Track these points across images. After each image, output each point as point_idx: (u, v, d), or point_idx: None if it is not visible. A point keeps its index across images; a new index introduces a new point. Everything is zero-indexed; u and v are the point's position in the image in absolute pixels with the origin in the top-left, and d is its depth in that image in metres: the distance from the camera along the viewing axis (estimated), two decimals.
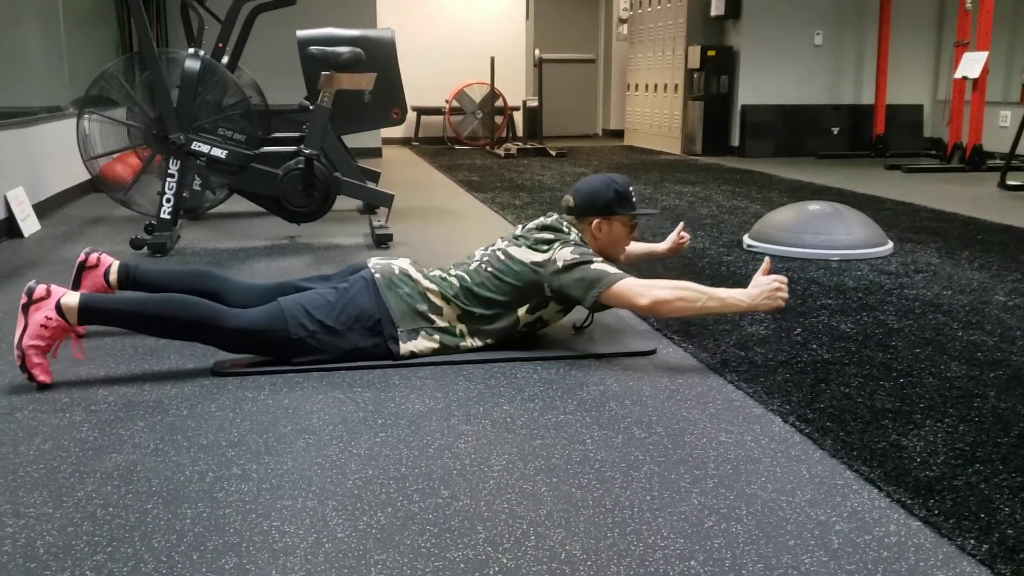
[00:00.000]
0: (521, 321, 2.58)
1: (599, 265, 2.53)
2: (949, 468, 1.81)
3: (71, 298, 2.31)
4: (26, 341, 2.27)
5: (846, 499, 1.70)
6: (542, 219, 2.71)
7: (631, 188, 2.72)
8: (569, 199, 2.71)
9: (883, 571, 1.45)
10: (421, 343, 2.50)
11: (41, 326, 2.27)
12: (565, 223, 2.67)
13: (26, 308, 2.30)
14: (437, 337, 2.52)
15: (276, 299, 2.46)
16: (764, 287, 2.47)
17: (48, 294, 2.31)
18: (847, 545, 1.53)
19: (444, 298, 2.54)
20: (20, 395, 2.26)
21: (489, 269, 2.58)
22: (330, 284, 2.58)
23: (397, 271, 2.55)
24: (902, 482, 1.75)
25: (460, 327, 2.55)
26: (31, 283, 2.33)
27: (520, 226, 2.75)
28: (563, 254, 2.54)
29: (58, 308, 2.29)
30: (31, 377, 2.29)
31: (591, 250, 2.61)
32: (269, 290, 2.63)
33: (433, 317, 2.52)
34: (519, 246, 2.61)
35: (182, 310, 2.35)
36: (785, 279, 2.51)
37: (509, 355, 2.54)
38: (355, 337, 2.45)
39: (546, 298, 2.57)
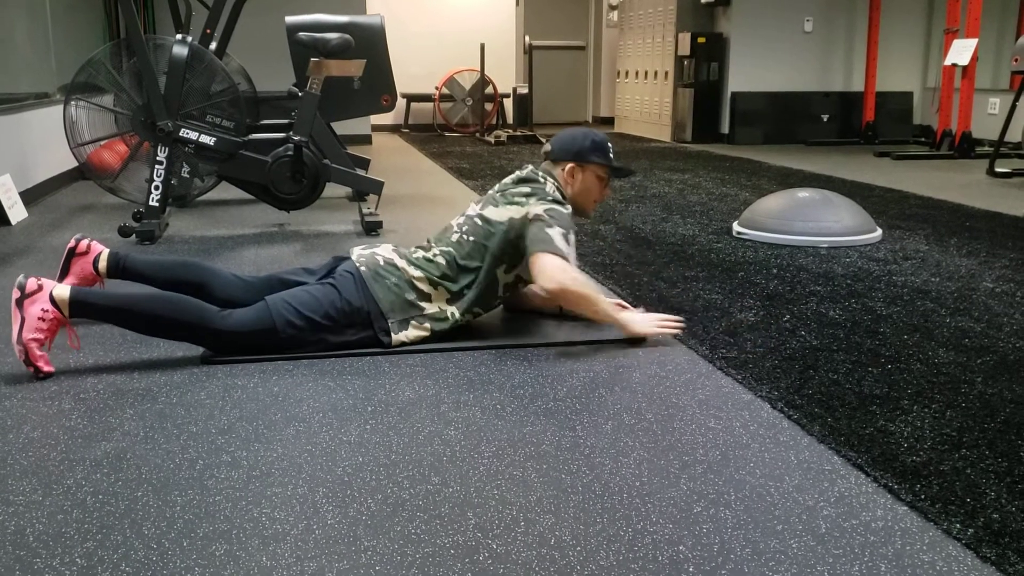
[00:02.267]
0: (500, 282, 2.58)
1: (556, 231, 2.50)
2: (936, 453, 1.83)
3: (62, 290, 2.31)
4: (26, 335, 2.27)
5: (834, 484, 1.71)
6: (518, 172, 2.71)
7: (610, 145, 2.72)
8: (547, 144, 2.73)
9: (870, 555, 1.46)
10: (412, 332, 2.50)
11: (39, 319, 2.28)
12: (541, 174, 2.67)
13: (20, 303, 2.29)
14: (427, 325, 2.52)
15: (263, 298, 2.45)
16: (656, 317, 2.62)
17: (40, 287, 2.31)
18: (834, 530, 1.54)
19: (431, 283, 2.54)
20: (9, 384, 2.26)
21: (471, 239, 2.57)
22: (316, 278, 2.57)
23: (382, 262, 2.54)
24: (889, 467, 1.76)
25: (449, 309, 2.55)
26: (20, 278, 2.32)
27: (496, 185, 2.74)
28: (535, 208, 2.54)
29: (52, 300, 2.29)
30: (36, 370, 2.30)
31: (565, 210, 2.59)
32: (256, 284, 2.62)
33: (422, 304, 2.52)
34: (496, 206, 2.60)
35: (172, 310, 2.35)
36: (682, 322, 2.62)
37: (499, 343, 2.55)
38: (345, 332, 2.46)
39: (519, 253, 2.56)
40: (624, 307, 2.71)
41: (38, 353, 2.29)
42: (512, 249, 2.55)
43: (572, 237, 2.55)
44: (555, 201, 2.59)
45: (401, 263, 2.55)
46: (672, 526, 1.55)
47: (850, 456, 1.82)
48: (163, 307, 2.35)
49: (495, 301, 2.63)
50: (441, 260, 2.56)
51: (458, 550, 1.48)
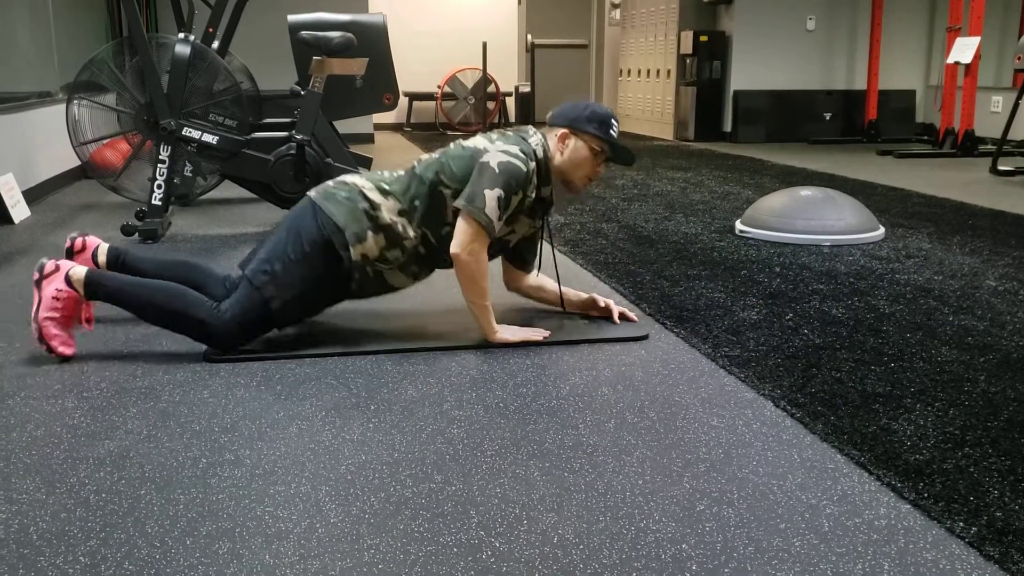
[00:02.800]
0: (448, 205, 2.49)
1: (494, 194, 2.41)
2: (939, 452, 1.82)
3: (79, 270, 2.41)
4: (41, 314, 2.37)
5: (836, 483, 1.71)
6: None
7: (613, 120, 2.58)
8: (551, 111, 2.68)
9: (873, 553, 1.46)
10: (370, 244, 2.46)
11: (53, 298, 2.37)
12: (532, 128, 2.61)
13: (39, 283, 2.40)
14: (382, 236, 2.47)
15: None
16: (522, 328, 2.60)
17: (57, 268, 2.40)
18: (837, 528, 1.54)
19: (381, 192, 2.51)
20: (12, 381, 2.26)
21: (436, 155, 2.56)
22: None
23: (332, 184, 2.55)
24: (892, 466, 1.76)
25: (401, 221, 2.49)
26: (42, 260, 2.43)
27: None
28: (493, 152, 2.47)
29: (67, 280, 2.38)
30: (50, 349, 2.38)
31: (524, 166, 2.46)
32: None
33: (375, 214, 2.47)
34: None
35: (179, 302, 2.39)
36: (546, 333, 2.60)
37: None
38: (314, 261, 2.43)
39: (463, 185, 2.49)
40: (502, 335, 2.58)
41: (53, 331, 2.37)
42: (462, 175, 2.48)
43: (515, 199, 2.46)
44: (521, 153, 2.47)
45: (351, 179, 2.55)
46: (675, 524, 1.55)
47: (853, 454, 1.82)
48: (172, 297, 2.40)
49: (444, 227, 2.51)
50: (398, 173, 2.56)
51: (461, 548, 1.48)
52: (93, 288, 2.40)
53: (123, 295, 2.42)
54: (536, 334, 2.57)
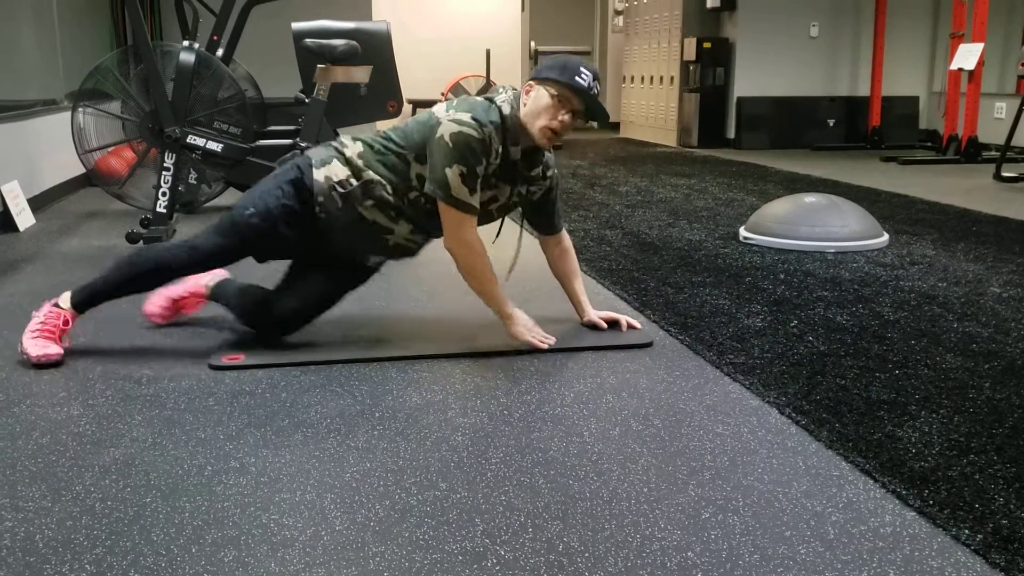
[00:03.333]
0: (413, 171, 2.46)
1: (454, 171, 2.36)
2: (944, 459, 1.82)
3: (65, 295, 2.56)
4: (24, 337, 2.49)
5: (842, 490, 1.71)
6: None
7: (583, 69, 2.39)
8: None
9: (878, 561, 1.46)
10: (335, 168, 2.48)
11: (36, 321, 2.53)
12: (504, 86, 2.54)
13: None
14: (348, 168, 2.48)
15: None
16: (535, 328, 2.57)
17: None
18: (842, 535, 1.54)
19: (354, 140, 2.56)
20: (17, 389, 2.27)
21: (408, 120, 2.55)
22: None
23: (322, 148, 2.60)
24: (897, 473, 1.76)
25: (360, 161, 2.50)
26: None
27: None
28: (446, 123, 2.38)
29: (56, 305, 2.53)
30: (37, 365, 2.44)
31: (476, 133, 2.36)
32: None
33: (341, 149, 2.52)
34: None
35: (150, 261, 2.52)
36: (553, 340, 2.57)
37: (506, 348, 2.55)
38: (288, 195, 2.47)
39: (424, 156, 2.46)
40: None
41: (28, 342, 2.46)
42: (420, 141, 2.45)
43: (481, 168, 2.40)
44: (472, 120, 2.37)
45: (335, 142, 2.60)
46: (680, 532, 1.55)
47: (858, 462, 1.82)
48: (145, 261, 2.52)
49: (411, 191, 2.48)
50: (376, 135, 2.56)
51: (466, 556, 1.48)
52: (79, 300, 2.54)
53: (106, 288, 2.54)
54: (543, 341, 2.56)
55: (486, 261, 2.50)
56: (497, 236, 2.78)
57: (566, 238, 2.81)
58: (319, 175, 2.47)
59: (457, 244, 2.45)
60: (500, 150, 2.44)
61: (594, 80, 2.42)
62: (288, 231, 2.49)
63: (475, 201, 2.42)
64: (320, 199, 2.47)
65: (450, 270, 2.97)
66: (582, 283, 2.83)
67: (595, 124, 12.58)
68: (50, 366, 2.42)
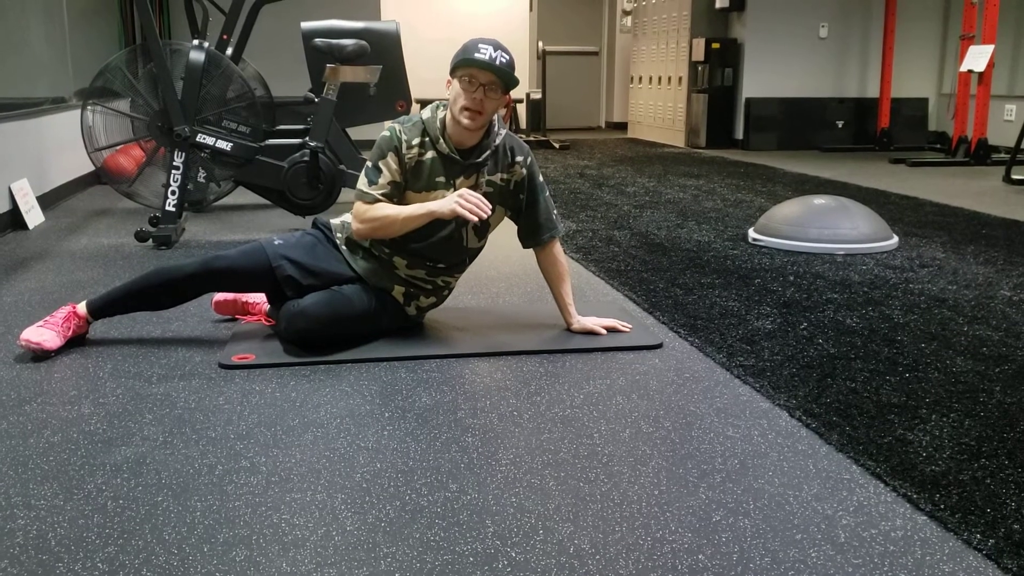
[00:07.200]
0: None
1: (365, 168, 2.57)
2: (955, 463, 1.82)
3: (82, 305, 2.64)
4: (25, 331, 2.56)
5: (852, 493, 1.70)
6: None
7: (484, 45, 2.44)
8: None
9: (889, 565, 1.45)
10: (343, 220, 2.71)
11: (45, 320, 2.60)
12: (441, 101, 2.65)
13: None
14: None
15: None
16: (465, 192, 2.45)
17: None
18: (853, 539, 1.54)
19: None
20: (29, 387, 2.27)
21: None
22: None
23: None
24: (908, 476, 1.75)
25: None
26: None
27: None
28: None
29: (74, 311, 2.62)
30: (36, 356, 2.50)
31: (386, 132, 2.56)
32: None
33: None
34: None
35: (168, 284, 2.58)
36: (488, 207, 2.45)
37: (515, 349, 2.55)
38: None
39: None
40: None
41: (29, 331, 2.52)
42: None
43: (390, 159, 2.53)
44: (394, 124, 2.59)
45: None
46: (691, 535, 1.55)
47: (869, 465, 1.81)
48: (158, 283, 2.58)
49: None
50: None
51: (477, 557, 1.48)
52: (94, 308, 2.62)
53: (123, 298, 2.61)
54: (474, 210, 2.42)
55: (387, 212, 2.52)
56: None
57: (556, 247, 2.73)
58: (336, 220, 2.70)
59: (365, 224, 2.54)
60: (419, 143, 2.55)
61: (496, 51, 2.46)
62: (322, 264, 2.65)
63: (374, 190, 2.54)
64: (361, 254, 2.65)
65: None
66: (570, 288, 2.75)
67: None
68: (42, 356, 2.50)
